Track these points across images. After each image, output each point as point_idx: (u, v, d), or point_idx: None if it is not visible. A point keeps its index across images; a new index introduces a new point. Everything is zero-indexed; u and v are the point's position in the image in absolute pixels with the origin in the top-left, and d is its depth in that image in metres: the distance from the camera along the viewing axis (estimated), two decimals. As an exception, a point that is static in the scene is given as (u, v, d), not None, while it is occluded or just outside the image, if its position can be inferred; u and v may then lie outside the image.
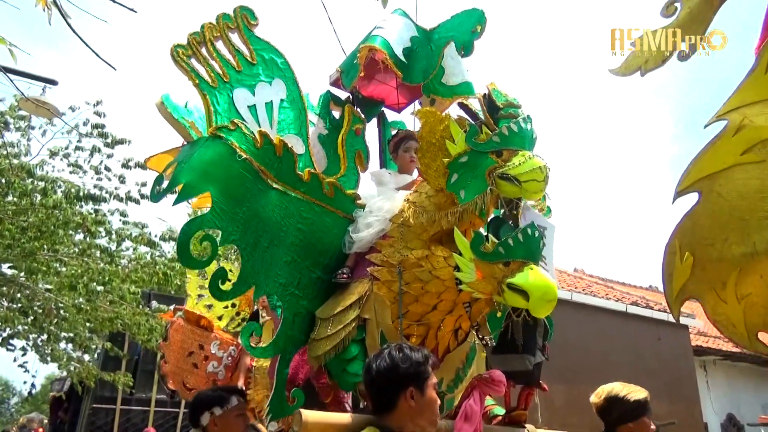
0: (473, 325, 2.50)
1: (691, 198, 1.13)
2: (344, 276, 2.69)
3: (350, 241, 2.75)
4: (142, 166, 8.43)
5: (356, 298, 2.59)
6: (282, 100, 2.88)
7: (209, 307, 5.25)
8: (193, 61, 2.61)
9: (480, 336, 2.49)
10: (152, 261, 8.95)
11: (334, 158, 3.07)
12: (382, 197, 2.81)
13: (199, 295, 5.31)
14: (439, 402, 1.89)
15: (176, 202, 2.48)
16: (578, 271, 15.07)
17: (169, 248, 9.57)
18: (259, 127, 2.72)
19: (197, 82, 2.61)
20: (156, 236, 9.07)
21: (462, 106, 2.56)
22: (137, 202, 8.62)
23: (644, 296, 12.49)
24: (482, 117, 2.42)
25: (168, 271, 8.69)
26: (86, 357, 10.58)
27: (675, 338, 11.01)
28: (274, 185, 2.59)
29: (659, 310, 11.12)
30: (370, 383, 1.93)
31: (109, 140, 8.56)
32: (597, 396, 2.43)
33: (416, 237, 2.58)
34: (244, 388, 4.40)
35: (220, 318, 5.23)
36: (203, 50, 2.64)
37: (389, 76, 3.14)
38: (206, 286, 5.16)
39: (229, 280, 2.47)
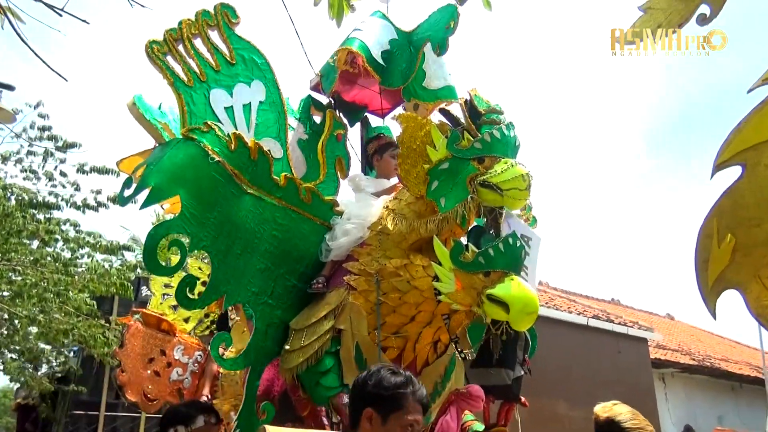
0: (452, 338, 2.45)
1: (731, 173, 0.99)
2: (319, 285, 2.61)
3: (327, 248, 2.67)
4: (99, 171, 8.16)
5: (331, 308, 2.51)
6: (261, 102, 2.80)
7: (175, 307, 4.75)
8: (169, 58, 2.51)
9: (459, 349, 2.43)
10: (111, 270, 8.63)
11: (314, 164, 2.99)
12: (360, 204, 2.75)
13: (164, 294, 4.84)
14: None
15: (144, 205, 2.37)
16: (542, 284, 15.19)
17: (132, 257, 9.25)
18: (236, 129, 2.63)
19: (172, 80, 2.50)
20: (113, 243, 8.76)
21: (443, 111, 2.51)
22: (95, 209, 8.34)
23: (605, 310, 12.69)
24: (464, 123, 2.38)
25: (125, 281, 8.38)
26: (44, 368, 10.09)
27: (634, 351, 11.23)
28: (249, 190, 2.51)
29: (619, 324, 11.34)
30: (349, 397, 1.85)
31: (60, 144, 8.28)
32: (603, 410, 2.28)
33: (395, 245, 2.52)
34: (209, 396, 4.11)
35: (186, 320, 4.81)
36: (180, 47, 2.54)
37: (372, 80, 3.09)
38: (172, 284, 4.67)
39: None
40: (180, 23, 2.56)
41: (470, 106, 2.36)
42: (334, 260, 2.66)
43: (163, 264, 2.28)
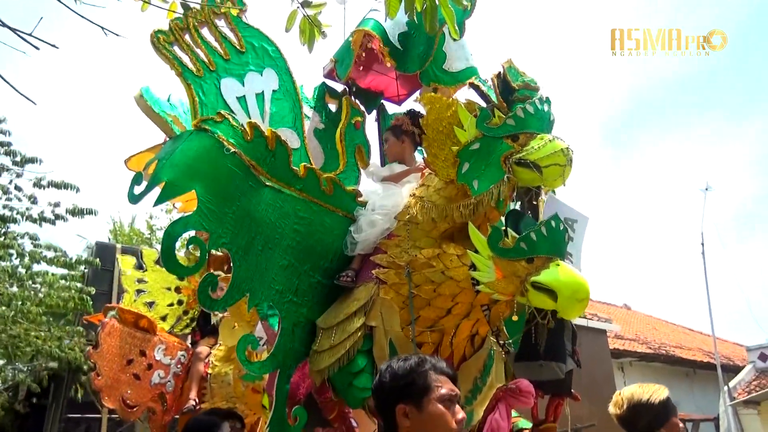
0: (493, 330, 2.29)
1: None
2: (348, 279, 2.46)
3: (352, 242, 2.52)
4: (57, 186, 7.98)
5: (361, 304, 2.35)
6: (274, 91, 2.65)
7: (150, 305, 4.39)
8: (176, 48, 2.37)
9: (501, 342, 2.26)
10: (66, 285, 8.43)
11: (332, 154, 2.84)
12: (384, 193, 2.60)
13: (138, 291, 4.43)
14: (461, 414, 1.59)
15: (158, 202, 2.24)
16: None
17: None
18: (250, 119, 2.48)
19: (180, 71, 2.36)
20: (76, 257, 8.57)
21: (473, 86, 2.35)
22: (52, 222, 8.17)
23: (565, 303, 12.76)
24: (494, 99, 2.21)
25: (84, 295, 8.19)
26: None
27: (594, 342, 11.22)
28: (267, 182, 2.36)
29: (579, 317, 11.31)
30: (374, 403, 1.68)
31: (18, 158, 8.12)
32: (617, 406, 2.10)
33: (425, 235, 2.37)
34: (197, 400, 3.84)
35: (164, 318, 4.41)
36: (187, 37, 2.40)
37: (387, 66, 2.93)
38: (146, 279, 4.43)
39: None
40: (185, 12, 2.42)
41: (503, 81, 2.20)
42: (361, 254, 2.51)
43: (183, 264, 2.14)
